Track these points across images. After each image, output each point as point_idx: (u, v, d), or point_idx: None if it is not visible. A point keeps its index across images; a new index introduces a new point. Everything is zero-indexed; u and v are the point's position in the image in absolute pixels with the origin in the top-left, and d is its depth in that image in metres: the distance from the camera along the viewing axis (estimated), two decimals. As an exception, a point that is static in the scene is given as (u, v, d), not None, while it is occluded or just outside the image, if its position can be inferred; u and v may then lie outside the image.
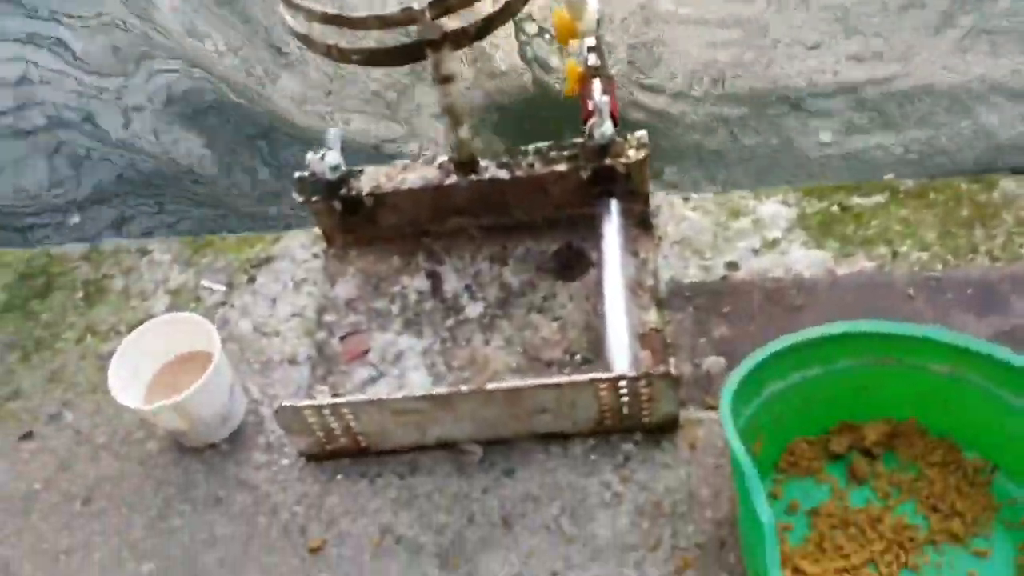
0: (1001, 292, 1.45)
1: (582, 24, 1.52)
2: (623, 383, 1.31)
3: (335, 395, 1.52)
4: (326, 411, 1.36)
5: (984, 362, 1.20)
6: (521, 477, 1.40)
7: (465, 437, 1.43)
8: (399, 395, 1.35)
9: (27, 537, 1.46)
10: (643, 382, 1.31)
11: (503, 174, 1.56)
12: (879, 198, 1.61)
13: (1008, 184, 1.59)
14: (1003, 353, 1.19)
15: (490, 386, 1.33)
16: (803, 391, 1.29)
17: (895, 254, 1.54)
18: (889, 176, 1.73)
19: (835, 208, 1.62)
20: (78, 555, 1.43)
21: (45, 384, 1.65)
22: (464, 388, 1.33)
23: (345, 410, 1.35)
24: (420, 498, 1.40)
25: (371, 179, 1.61)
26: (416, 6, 1.34)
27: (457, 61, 1.43)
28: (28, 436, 1.58)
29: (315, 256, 1.74)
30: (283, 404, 1.34)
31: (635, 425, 1.40)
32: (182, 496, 1.46)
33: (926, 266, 1.51)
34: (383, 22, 1.36)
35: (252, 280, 1.74)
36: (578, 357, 1.50)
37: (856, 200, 1.62)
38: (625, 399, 1.34)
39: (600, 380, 1.31)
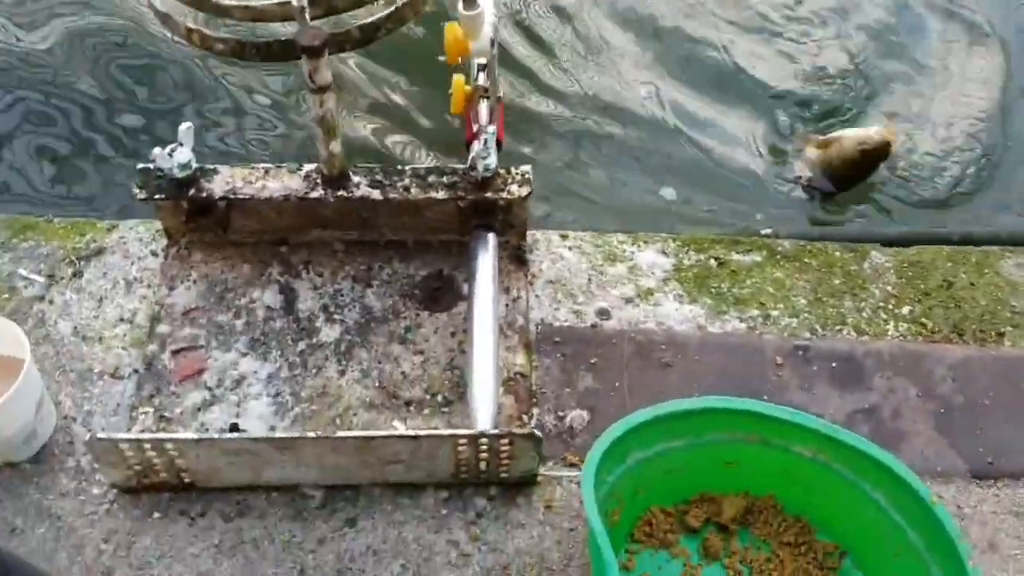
0: (865, 368, 1.46)
1: (476, 43, 1.41)
2: (484, 440, 1.22)
3: (160, 417, 1.36)
4: (147, 446, 1.20)
5: (848, 452, 1.19)
6: (364, 528, 1.29)
7: (306, 481, 1.30)
8: (233, 436, 1.21)
9: None
10: (504, 440, 1.22)
11: (376, 194, 1.44)
12: (756, 256, 1.59)
13: (877, 256, 1.61)
14: (867, 446, 1.18)
15: (340, 434, 1.21)
16: (666, 461, 1.25)
17: (767, 317, 1.52)
18: (767, 231, 1.71)
19: (712, 262, 1.58)
20: None
21: None
22: (311, 434, 1.20)
23: (169, 446, 1.20)
24: (247, 544, 1.27)
25: (225, 181, 1.44)
26: (295, 3, 1.20)
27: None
28: None
29: (154, 254, 1.56)
30: (97, 436, 1.18)
31: (492, 479, 1.32)
32: (-32, 524, 1.27)
33: (795, 333, 1.50)
34: (252, 13, 1.21)
35: (78, 274, 1.54)
36: (439, 398, 1.40)
37: (734, 256, 1.60)
38: (484, 455, 1.25)
39: (460, 436, 1.22)
